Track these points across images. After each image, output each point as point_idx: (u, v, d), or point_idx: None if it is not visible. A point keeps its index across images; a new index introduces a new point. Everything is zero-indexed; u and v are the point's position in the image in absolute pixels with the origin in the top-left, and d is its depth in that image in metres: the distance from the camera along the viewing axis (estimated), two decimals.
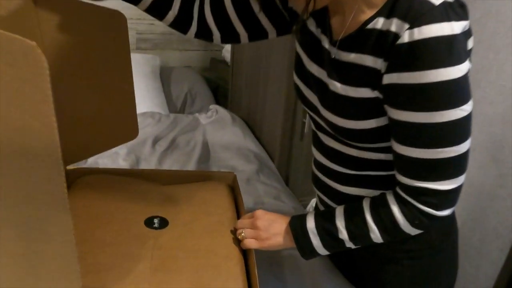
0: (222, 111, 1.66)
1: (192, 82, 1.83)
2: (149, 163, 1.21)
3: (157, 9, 0.62)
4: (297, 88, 0.67)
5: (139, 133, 1.39)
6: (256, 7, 0.63)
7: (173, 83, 1.78)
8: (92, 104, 0.68)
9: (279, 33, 0.67)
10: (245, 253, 0.62)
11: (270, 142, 1.45)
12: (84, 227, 0.58)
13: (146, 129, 1.41)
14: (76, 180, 0.74)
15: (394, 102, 0.50)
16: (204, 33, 0.66)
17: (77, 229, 0.61)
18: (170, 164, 1.20)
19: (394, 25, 0.47)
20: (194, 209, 0.69)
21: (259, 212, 0.62)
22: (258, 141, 1.48)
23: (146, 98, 1.60)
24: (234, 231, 0.64)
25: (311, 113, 0.65)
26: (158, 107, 1.61)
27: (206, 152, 1.35)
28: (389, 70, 0.49)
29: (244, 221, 0.63)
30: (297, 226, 0.60)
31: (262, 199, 1.09)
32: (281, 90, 1.29)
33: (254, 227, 0.61)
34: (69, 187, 0.73)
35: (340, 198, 0.67)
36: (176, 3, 0.62)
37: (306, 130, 1.32)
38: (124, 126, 0.70)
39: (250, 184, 1.16)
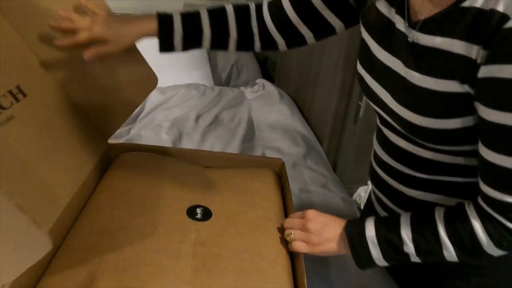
0: (269, 86, 1.58)
1: (239, 53, 1.76)
2: (191, 139, 1.18)
3: (218, 44, 0.63)
4: (361, 79, 0.58)
5: (183, 106, 1.37)
6: (318, 3, 0.58)
7: (219, 54, 1.72)
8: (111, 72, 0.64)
9: (347, 25, 0.61)
10: (291, 254, 0.57)
11: (319, 124, 1.36)
12: (125, 213, 0.56)
13: (190, 102, 1.38)
14: (116, 157, 0.72)
15: (490, 100, 0.41)
16: (269, 44, 0.65)
17: (118, 214, 0.59)
18: (213, 141, 1.17)
19: (502, 3, 0.37)
20: (238, 199, 0.64)
21: (311, 213, 0.56)
22: (307, 122, 1.40)
23: (191, 69, 1.56)
24: (281, 230, 0.59)
25: (377, 108, 0.57)
26: (203, 79, 1.57)
27: (250, 130, 1.29)
28: (490, 60, 0.39)
29: (293, 221, 0.58)
30: (354, 233, 0.53)
31: (308, 186, 1.03)
32: (337, 67, 1.18)
33: (305, 229, 0.55)
34: (110, 163, 0.71)
35: (402, 200, 0.60)
36: (232, 29, 0.62)
37: (361, 114, 1.22)
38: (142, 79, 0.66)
39: (296, 170, 1.10)
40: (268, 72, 1.90)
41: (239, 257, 0.52)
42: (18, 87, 0.55)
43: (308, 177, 1.08)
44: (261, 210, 0.63)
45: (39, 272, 0.46)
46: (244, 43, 0.64)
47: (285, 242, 0.57)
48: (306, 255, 0.55)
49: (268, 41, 0.64)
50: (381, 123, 0.60)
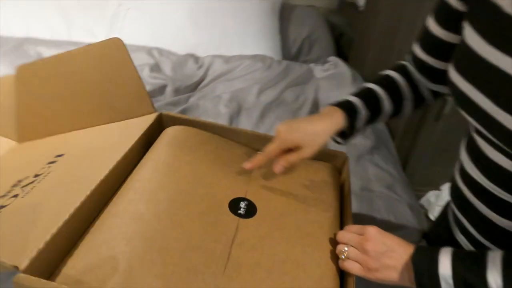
0: (342, 65, 1.45)
1: (313, 25, 1.62)
2: (250, 115, 1.12)
3: (395, 115, 0.63)
4: (454, 89, 0.48)
5: (246, 78, 1.31)
6: (440, 31, 0.54)
7: (292, 25, 1.61)
8: None
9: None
10: (341, 274, 0.49)
11: None
12: (166, 195, 0.52)
13: (254, 74, 1.31)
14: (166, 129, 0.68)
15: None
16: (435, 95, 0.63)
17: (160, 195, 0.55)
18: (272, 121, 1.10)
19: None
20: (289, 198, 0.57)
21: (373, 231, 0.47)
22: None
23: (260, 39, 1.48)
24: (333, 242, 0.51)
25: (472, 120, 0.46)
26: (271, 51, 1.48)
27: (315, 113, 1.19)
28: None
29: (350, 236, 0.49)
30: (423, 266, 0.44)
31: (371, 185, 0.92)
32: None
33: (362, 249, 0.47)
34: (159, 133, 0.67)
35: (492, 231, 0.48)
36: (406, 98, 0.61)
37: (447, 109, 1.05)
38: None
39: (360, 164, 0.99)
40: (342, 49, 1.75)
41: (280, 270, 0.45)
42: None
43: (373, 174, 0.96)
44: (313, 213, 0.56)
45: (63, 252, 0.44)
46: (418, 104, 0.63)
47: (336, 258, 0.49)
48: (358, 277, 0.47)
49: (433, 94, 0.63)
50: (475, 131, 0.48)
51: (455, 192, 0.55)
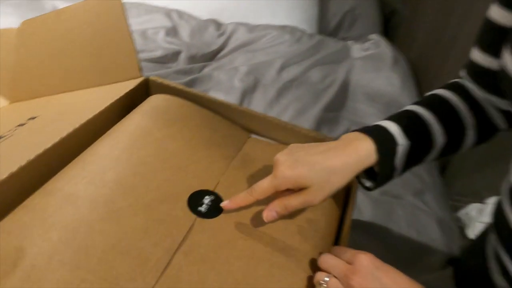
0: (384, 45, 1.26)
1: (363, 4, 1.43)
2: (265, 92, 0.99)
3: (450, 150, 0.46)
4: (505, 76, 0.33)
5: (270, 52, 1.17)
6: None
7: None
8: None
9: None
10: None
11: None
12: (114, 176, 0.41)
13: (279, 47, 1.17)
14: (150, 97, 0.57)
15: None
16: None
17: (108, 175, 0.45)
18: (289, 102, 0.96)
19: None
20: (272, 198, 0.45)
21: (365, 261, 0.34)
22: None
23: (293, 8, 1.32)
24: (314, 266, 0.39)
25: None
26: (304, 22, 1.32)
27: (341, 97, 1.04)
28: None
29: (334, 263, 0.36)
30: None
31: (395, 190, 0.77)
32: None
33: (347, 283, 0.34)
34: (142, 99, 0.57)
35: None
36: (468, 125, 0.45)
37: None
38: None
39: None
40: (391, 29, 1.54)
41: None
42: None
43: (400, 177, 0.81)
44: (299, 221, 0.43)
45: None
46: (484, 133, 0.47)
47: None
48: None
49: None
50: None
51: (500, 220, 0.40)
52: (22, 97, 0.69)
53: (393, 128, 0.42)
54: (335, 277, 0.35)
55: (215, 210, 0.42)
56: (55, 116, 0.59)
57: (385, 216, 0.70)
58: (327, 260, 0.37)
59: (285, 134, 0.58)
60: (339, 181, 0.39)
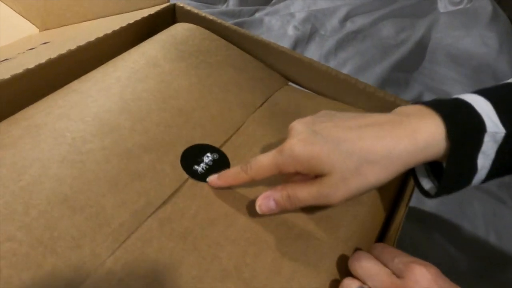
0: (485, 0, 1.02)
1: None
2: (322, 44, 0.84)
3: None
4: None
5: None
6: None
7: None
8: None
9: None
10: None
11: None
12: (98, 110, 0.32)
13: None
14: (174, 25, 0.48)
15: None
16: None
17: (92, 108, 0.36)
18: (349, 55, 0.80)
19: None
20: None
21: (424, 274, 0.22)
22: None
23: None
24: (340, 267, 0.27)
25: None
26: None
27: (416, 57, 0.86)
28: None
29: (375, 270, 0.24)
30: None
31: (466, 196, 0.61)
32: None
33: None
34: (169, 25, 0.47)
35: None
36: None
37: None
38: None
39: None
40: None
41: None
42: None
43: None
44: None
45: None
46: None
47: None
48: None
49: None
50: None
51: None
52: (51, 26, 0.66)
53: (483, 105, 0.26)
54: None
55: (216, 172, 0.31)
56: (67, 41, 0.53)
57: (456, 210, 0.55)
58: (364, 264, 0.25)
59: (336, 88, 0.45)
60: (375, 176, 0.25)
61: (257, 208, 0.28)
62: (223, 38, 0.47)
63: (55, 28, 0.68)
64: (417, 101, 0.30)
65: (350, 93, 0.44)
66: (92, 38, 0.41)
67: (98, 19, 0.62)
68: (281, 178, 0.29)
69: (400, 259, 0.24)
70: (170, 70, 0.39)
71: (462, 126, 0.25)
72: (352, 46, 0.83)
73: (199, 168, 0.31)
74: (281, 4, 1.01)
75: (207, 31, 0.47)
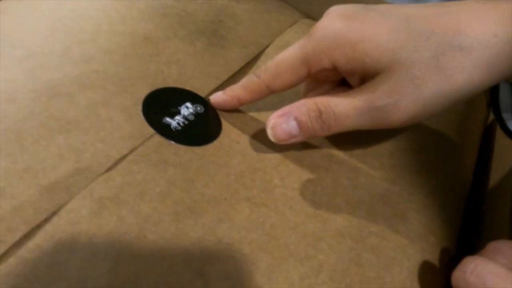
0: None
1: None
2: None
3: None
4: None
5: None
6: None
7: None
8: None
9: None
10: None
11: None
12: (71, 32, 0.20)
13: None
14: None
15: None
16: None
17: (67, 23, 0.22)
18: None
19: None
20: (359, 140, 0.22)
21: None
22: None
23: None
24: (444, 267, 0.16)
25: None
26: None
27: None
28: None
29: (488, 267, 0.14)
30: None
31: None
32: None
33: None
34: None
35: None
36: None
37: None
38: None
39: None
40: None
41: None
42: None
43: None
44: (387, 171, 0.20)
45: None
46: None
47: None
48: None
49: None
50: None
51: None
52: None
53: None
54: None
55: (197, 132, 0.20)
56: None
57: None
58: (485, 274, 0.14)
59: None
60: (466, 73, 0.15)
61: (269, 133, 0.18)
62: None
63: None
64: None
65: None
66: None
67: None
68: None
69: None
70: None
71: None
72: None
73: (173, 122, 0.20)
74: None
75: None
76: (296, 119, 0.17)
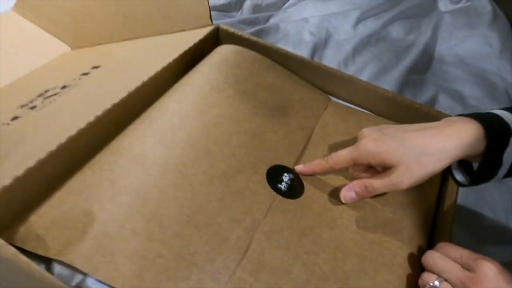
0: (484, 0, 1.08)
1: None
2: (339, 49, 0.89)
3: None
4: None
5: (345, 2, 1.05)
6: None
7: None
8: None
9: None
10: None
11: None
12: (185, 137, 0.38)
13: None
14: (218, 48, 0.52)
15: None
16: None
17: (178, 135, 0.39)
18: (367, 60, 0.86)
19: None
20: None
21: (492, 271, 0.29)
22: None
23: None
24: (415, 264, 0.34)
25: None
26: None
27: (426, 58, 0.92)
28: None
29: (447, 265, 0.31)
30: None
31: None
32: None
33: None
34: (211, 50, 0.52)
35: None
36: None
37: None
38: None
39: None
40: None
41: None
42: None
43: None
44: (391, 207, 0.38)
45: (41, 190, 0.34)
46: None
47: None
48: None
49: None
50: None
51: None
52: (84, 44, 0.68)
53: (509, 116, 0.35)
54: (445, 280, 0.30)
55: (295, 190, 0.37)
56: (119, 67, 0.57)
57: (475, 198, 0.62)
58: (438, 262, 0.31)
59: (376, 102, 0.51)
60: (432, 164, 0.33)
61: (342, 198, 0.37)
62: (265, 57, 0.53)
63: (88, 46, 0.70)
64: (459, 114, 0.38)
65: (387, 105, 0.50)
66: (150, 68, 0.45)
67: (138, 39, 0.65)
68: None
69: (468, 255, 0.31)
70: (233, 94, 0.44)
71: (495, 129, 0.34)
72: (367, 50, 0.89)
73: (282, 186, 0.37)
74: (293, 9, 1.05)
75: (253, 53, 0.52)
76: (354, 191, 0.36)
